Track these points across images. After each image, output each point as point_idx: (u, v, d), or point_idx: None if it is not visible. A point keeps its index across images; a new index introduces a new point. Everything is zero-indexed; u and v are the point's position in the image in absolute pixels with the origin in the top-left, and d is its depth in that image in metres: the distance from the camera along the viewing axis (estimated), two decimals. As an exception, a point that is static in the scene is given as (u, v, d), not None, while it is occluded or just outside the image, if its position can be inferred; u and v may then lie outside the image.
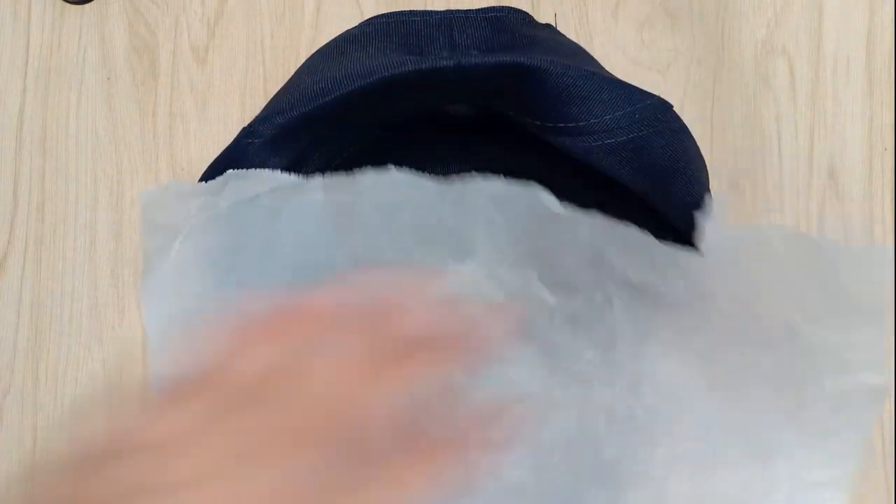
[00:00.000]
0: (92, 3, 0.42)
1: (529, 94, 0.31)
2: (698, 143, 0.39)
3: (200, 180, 0.36)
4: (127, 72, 0.42)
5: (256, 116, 0.33)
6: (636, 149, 0.30)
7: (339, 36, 0.35)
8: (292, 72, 0.43)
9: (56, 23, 0.42)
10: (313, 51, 0.43)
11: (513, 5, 0.43)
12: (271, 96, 0.42)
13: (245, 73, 0.43)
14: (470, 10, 0.32)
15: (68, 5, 0.42)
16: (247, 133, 0.32)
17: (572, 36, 0.43)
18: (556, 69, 0.29)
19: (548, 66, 0.29)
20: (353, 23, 0.43)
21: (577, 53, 0.33)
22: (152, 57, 0.42)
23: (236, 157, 0.33)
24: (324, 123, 0.32)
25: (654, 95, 0.31)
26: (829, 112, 0.44)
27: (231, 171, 0.30)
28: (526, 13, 0.33)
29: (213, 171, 0.35)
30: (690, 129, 0.38)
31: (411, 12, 0.32)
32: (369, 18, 0.33)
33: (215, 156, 0.42)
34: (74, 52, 0.42)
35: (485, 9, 0.32)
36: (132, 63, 0.42)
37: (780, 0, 0.44)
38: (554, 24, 0.35)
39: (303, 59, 0.43)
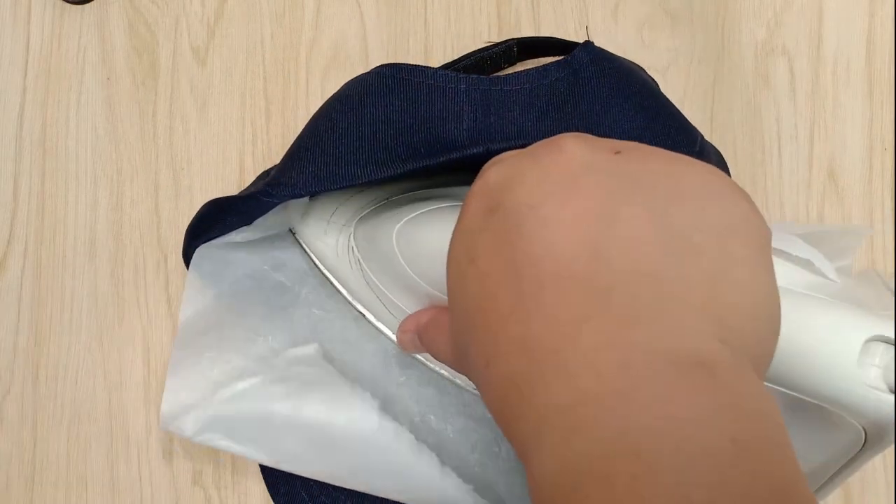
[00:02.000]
0: (92, 3, 0.42)
1: None
2: (698, 143, 0.39)
3: (205, 208, 0.37)
4: (127, 72, 0.42)
5: (277, 173, 0.34)
6: None
7: (359, 85, 0.34)
8: (292, 72, 0.43)
9: (56, 23, 0.42)
10: (313, 51, 0.43)
11: (513, 11, 0.43)
12: (271, 97, 0.42)
13: (245, 73, 0.43)
14: (504, 83, 0.31)
15: (68, 5, 0.42)
16: (267, 192, 0.34)
17: (571, 36, 0.43)
18: None
19: None
20: (354, 23, 0.43)
21: (629, 93, 0.33)
22: (152, 57, 0.42)
23: (252, 204, 0.35)
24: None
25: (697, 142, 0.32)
26: (828, 112, 0.44)
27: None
28: (562, 67, 0.32)
29: (222, 207, 0.36)
30: (690, 130, 0.38)
31: (437, 76, 0.31)
32: (390, 67, 0.32)
33: (215, 156, 0.42)
34: (74, 52, 0.42)
35: (519, 76, 0.31)
36: (132, 63, 0.42)
37: (780, 0, 0.44)
38: (586, 36, 0.35)
39: (303, 60, 0.43)
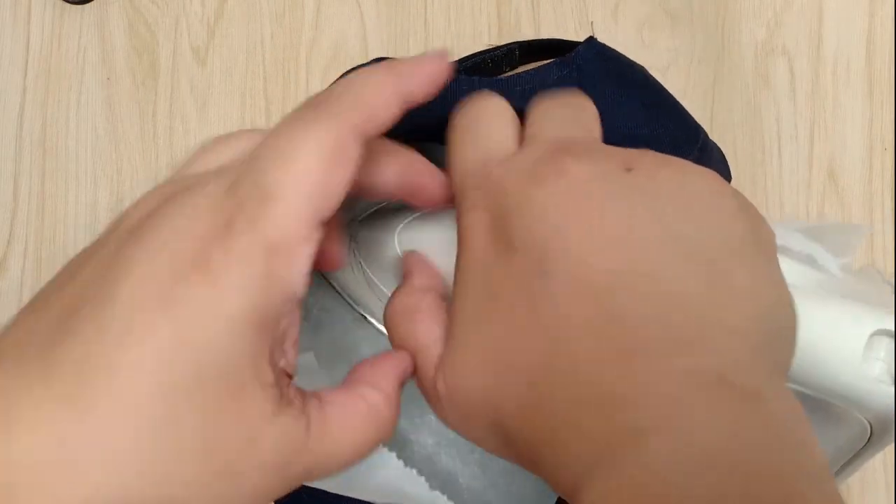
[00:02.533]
0: (92, 3, 0.42)
1: None
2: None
3: None
4: (127, 72, 0.42)
5: None
6: None
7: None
8: (292, 72, 0.43)
9: (56, 23, 0.42)
10: (313, 51, 0.43)
11: (513, 10, 0.43)
12: (271, 96, 0.43)
13: (245, 73, 0.43)
14: (505, 84, 0.31)
15: (68, 5, 0.42)
16: None
17: (572, 36, 0.43)
18: None
19: None
20: (354, 23, 0.43)
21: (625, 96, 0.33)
22: (152, 57, 0.42)
23: None
24: None
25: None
26: (829, 112, 0.44)
27: None
28: (563, 66, 0.32)
29: None
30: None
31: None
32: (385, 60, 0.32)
33: (215, 156, 0.42)
34: (74, 52, 0.42)
35: (520, 77, 0.31)
36: (132, 63, 0.42)
37: (781, 0, 0.44)
38: (591, 31, 0.35)
39: (303, 60, 0.43)
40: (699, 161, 0.28)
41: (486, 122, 0.25)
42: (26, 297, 0.41)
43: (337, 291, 0.39)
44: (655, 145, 0.31)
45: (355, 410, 0.22)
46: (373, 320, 0.38)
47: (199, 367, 0.18)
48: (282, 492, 0.21)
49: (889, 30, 0.44)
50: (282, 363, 0.21)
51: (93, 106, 0.42)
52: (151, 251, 0.19)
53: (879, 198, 0.44)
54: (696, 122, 0.35)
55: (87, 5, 0.42)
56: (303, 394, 0.21)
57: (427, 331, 0.24)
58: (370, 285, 0.37)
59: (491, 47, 0.41)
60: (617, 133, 0.31)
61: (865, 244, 0.44)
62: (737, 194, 0.22)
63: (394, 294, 0.26)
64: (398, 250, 0.33)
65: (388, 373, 0.25)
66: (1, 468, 0.16)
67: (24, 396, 0.17)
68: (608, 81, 0.32)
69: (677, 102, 0.35)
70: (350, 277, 0.38)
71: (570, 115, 0.25)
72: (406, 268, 0.28)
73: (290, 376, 0.21)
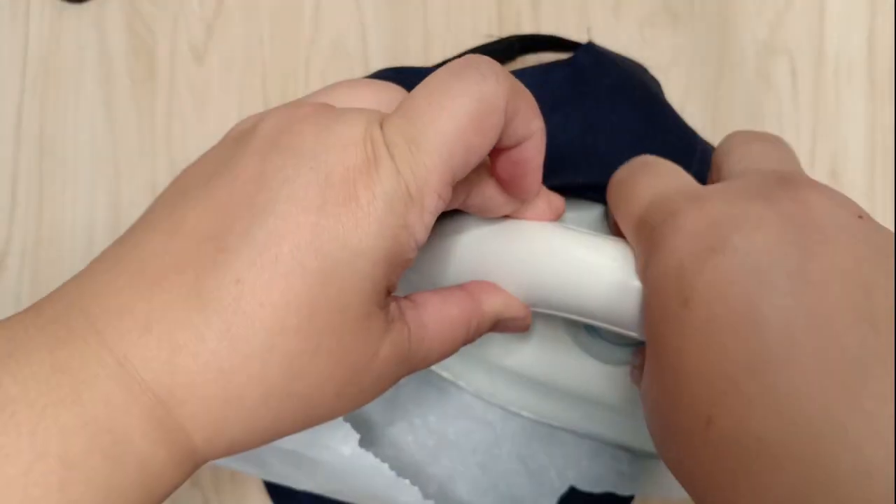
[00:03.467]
0: (90, 2, 0.42)
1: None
2: (700, 143, 0.39)
3: None
4: (125, 71, 0.42)
5: None
6: None
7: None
8: (291, 71, 0.42)
9: (54, 22, 0.42)
10: (313, 50, 0.43)
11: (514, 9, 0.43)
12: (270, 96, 0.42)
13: (244, 72, 0.43)
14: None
15: (67, 4, 0.42)
16: None
17: (573, 36, 0.42)
18: (591, 179, 0.29)
19: (585, 178, 0.29)
20: (353, 23, 0.43)
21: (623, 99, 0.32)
22: (151, 57, 0.42)
23: None
24: None
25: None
26: (830, 112, 0.44)
27: None
28: (568, 66, 0.32)
29: None
30: (692, 128, 0.38)
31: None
32: (392, 70, 0.32)
33: (214, 156, 0.42)
34: (73, 52, 0.42)
35: (521, 73, 0.31)
36: (131, 63, 0.42)
37: (782, 0, 0.44)
38: (588, 37, 0.35)
39: (302, 59, 0.43)
40: (698, 175, 0.28)
41: (665, 164, 0.24)
42: (25, 297, 0.41)
43: None
44: (652, 154, 0.30)
45: (447, 315, 0.24)
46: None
47: (337, 293, 0.20)
48: (385, 391, 0.23)
49: (891, 29, 0.44)
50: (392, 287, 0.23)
51: (91, 105, 0.42)
52: (304, 172, 0.20)
53: (881, 197, 0.43)
54: (692, 130, 0.35)
55: (86, 4, 0.42)
56: (401, 304, 0.23)
57: None
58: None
59: (490, 41, 0.41)
60: (611, 137, 0.30)
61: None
62: None
63: None
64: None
65: (486, 292, 0.26)
66: (165, 383, 0.18)
67: (182, 321, 0.19)
68: (605, 87, 0.32)
69: (673, 111, 0.34)
70: None
71: (780, 152, 0.24)
72: None
73: (390, 292, 0.22)
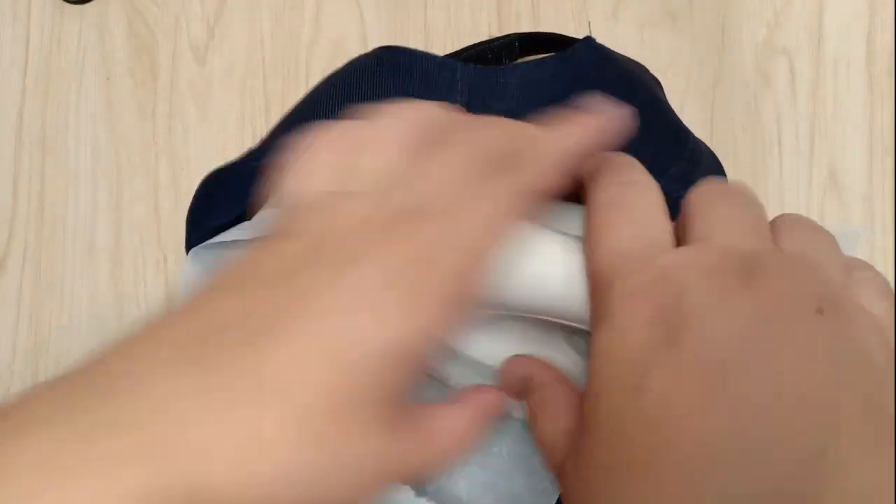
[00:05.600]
0: (92, 3, 0.42)
1: None
2: (699, 143, 0.39)
3: (200, 190, 0.37)
4: (126, 72, 0.42)
5: (262, 147, 0.34)
6: None
7: (353, 66, 0.34)
8: (292, 71, 0.43)
9: (56, 23, 0.42)
10: (313, 51, 0.43)
11: (513, 10, 0.43)
12: (271, 96, 0.43)
13: (245, 72, 0.43)
14: (500, 74, 0.31)
15: (68, 5, 0.42)
16: (255, 158, 0.33)
17: (571, 35, 0.42)
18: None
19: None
20: (354, 23, 0.43)
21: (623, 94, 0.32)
22: (152, 57, 0.42)
23: (244, 181, 0.34)
24: None
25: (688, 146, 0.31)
26: (829, 112, 0.44)
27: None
28: (560, 61, 0.32)
29: (216, 186, 0.36)
30: (691, 129, 0.38)
31: (433, 63, 0.31)
32: (387, 49, 0.32)
33: (215, 155, 0.42)
34: (74, 52, 0.42)
35: (516, 68, 0.31)
36: (132, 63, 0.42)
37: (781, 0, 0.44)
38: (588, 31, 0.35)
39: (303, 59, 0.43)
40: (687, 174, 0.28)
41: (643, 203, 0.23)
42: (26, 297, 0.41)
43: None
44: (642, 151, 0.30)
45: (455, 427, 0.23)
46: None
47: (356, 391, 0.19)
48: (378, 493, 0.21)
49: (889, 30, 0.44)
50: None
51: (93, 106, 0.42)
52: (339, 287, 0.20)
53: (879, 197, 0.44)
54: (687, 129, 0.34)
55: (87, 5, 0.42)
56: (411, 410, 0.21)
57: (554, 425, 0.24)
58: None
59: (492, 38, 0.41)
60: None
61: (865, 243, 0.43)
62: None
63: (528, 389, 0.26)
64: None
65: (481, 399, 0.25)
66: (180, 453, 0.17)
67: (216, 402, 0.17)
68: (602, 83, 0.32)
69: (669, 108, 0.34)
70: None
71: (745, 218, 0.23)
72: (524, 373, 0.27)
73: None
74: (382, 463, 0.21)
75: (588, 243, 0.24)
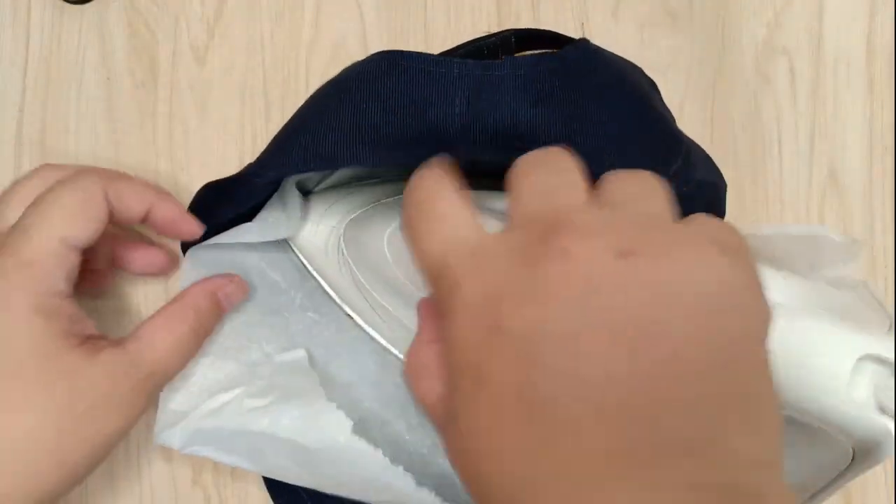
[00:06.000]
0: (92, 2, 0.42)
1: None
2: (698, 143, 0.39)
3: (199, 194, 0.37)
4: (126, 72, 0.42)
5: (263, 158, 0.34)
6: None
7: (354, 70, 0.34)
8: (292, 72, 0.43)
9: (56, 23, 0.42)
10: (313, 51, 0.43)
11: (513, 10, 0.43)
12: (271, 96, 0.42)
13: (245, 72, 0.43)
14: (497, 68, 0.31)
15: (68, 5, 0.42)
16: (255, 173, 0.34)
17: (571, 35, 0.43)
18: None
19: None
20: (354, 23, 0.43)
21: (619, 93, 0.32)
22: (152, 57, 0.42)
23: (242, 188, 0.34)
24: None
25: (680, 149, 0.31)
26: (829, 112, 0.44)
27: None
28: (556, 58, 0.32)
29: (216, 192, 0.36)
30: (690, 129, 0.38)
31: (433, 60, 0.31)
32: (386, 52, 0.32)
33: (215, 156, 0.42)
34: (74, 52, 0.42)
35: (513, 62, 0.31)
36: (132, 63, 0.42)
37: (781, 0, 0.44)
38: (582, 33, 0.35)
39: (303, 59, 0.43)
40: (681, 172, 0.28)
41: (441, 201, 0.25)
42: (26, 297, 0.41)
43: (325, 291, 0.38)
44: (631, 151, 0.30)
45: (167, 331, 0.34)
46: (359, 320, 0.38)
47: (25, 354, 0.29)
48: (144, 402, 0.32)
49: (890, 30, 0.44)
50: (84, 330, 0.31)
51: (93, 106, 0.42)
52: None
53: (880, 197, 0.44)
54: (679, 132, 0.35)
55: (87, 5, 0.42)
56: (118, 340, 0.32)
57: (430, 390, 0.25)
58: (357, 286, 0.37)
59: (487, 34, 0.41)
60: (598, 132, 0.31)
61: (865, 243, 0.44)
62: (745, 286, 0.20)
63: (409, 349, 0.27)
64: (387, 252, 0.33)
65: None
66: None
67: None
68: (594, 82, 0.32)
69: (662, 115, 0.34)
70: (337, 276, 0.38)
71: (553, 180, 0.24)
72: (418, 318, 0.29)
73: (95, 337, 0.31)
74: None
75: (410, 245, 0.26)
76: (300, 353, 0.37)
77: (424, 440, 0.38)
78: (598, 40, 0.35)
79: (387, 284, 0.34)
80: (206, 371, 0.36)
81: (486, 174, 0.36)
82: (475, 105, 0.30)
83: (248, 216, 0.37)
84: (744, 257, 0.21)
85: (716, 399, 0.18)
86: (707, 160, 0.37)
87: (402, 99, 0.31)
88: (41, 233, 0.30)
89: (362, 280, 0.36)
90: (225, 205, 0.36)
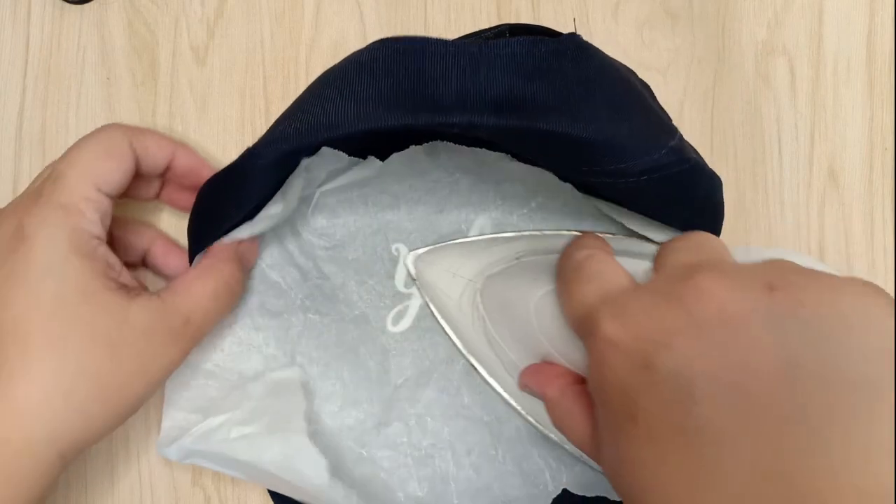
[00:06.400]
0: (91, 2, 0.42)
1: (550, 146, 0.30)
2: (698, 143, 0.39)
3: (202, 192, 0.37)
4: (126, 72, 0.42)
5: (261, 139, 0.34)
6: (658, 185, 0.30)
7: (350, 59, 0.34)
8: (292, 72, 0.43)
9: (56, 23, 0.42)
10: (313, 51, 0.43)
11: (513, 9, 0.43)
12: (271, 96, 0.43)
13: (245, 73, 0.43)
14: (494, 47, 0.31)
15: (68, 5, 0.42)
16: (250, 155, 0.33)
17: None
18: (579, 132, 0.29)
19: (571, 130, 0.29)
20: (354, 23, 0.43)
21: (612, 81, 0.32)
22: (152, 57, 0.42)
23: (238, 175, 0.34)
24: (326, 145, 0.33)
25: (673, 137, 0.31)
26: (829, 112, 0.44)
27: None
28: (551, 42, 0.32)
29: (213, 188, 0.36)
30: (690, 129, 0.38)
31: (428, 42, 0.31)
32: (383, 41, 0.32)
33: (215, 156, 0.42)
34: (74, 52, 0.42)
35: (510, 41, 0.31)
36: (132, 63, 0.42)
37: (781, 0, 0.44)
38: (574, 29, 0.35)
39: (303, 59, 0.43)
40: (679, 176, 0.29)
41: (597, 263, 0.28)
42: (26, 297, 0.41)
43: (451, 340, 0.38)
44: (631, 126, 0.31)
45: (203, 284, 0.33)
46: (483, 372, 0.38)
47: (66, 290, 0.29)
48: (181, 352, 0.32)
49: (889, 30, 0.44)
50: (120, 278, 0.32)
51: (92, 106, 0.42)
52: None
53: (880, 197, 0.44)
54: (671, 136, 0.34)
55: (87, 5, 0.42)
56: (153, 292, 0.32)
57: (578, 428, 0.29)
58: (490, 342, 0.37)
59: (484, 28, 0.41)
60: (593, 111, 0.31)
61: (865, 243, 0.43)
62: (883, 302, 0.20)
63: (550, 399, 0.31)
64: (535, 321, 0.33)
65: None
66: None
67: None
68: (588, 67, 0.32)
69: (653, 109, 0.34)
70: (469, 329, 0.37)
71: (695, 244, 0.26)
72: (540, 376, 0.33)
73: (132, 286, 0.32)
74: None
75: (563, 307, 0.28)
76: (293, 373, 0.38)
77: (423, 440, 0.38)
78: (597, 40, 0.35)
79: (529, 350, 0.34)
80: (205, 388, 0.37)
81: (482, 142, 0.36)
82: (472, 78, 0.30)
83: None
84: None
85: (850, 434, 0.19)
86: (702, 165, 0.37)
87: (403, 69, 0.31)
88: (74, 178, 0.31)
89: (497, 337, 0.36)
90: (226, 201, 0.36)
